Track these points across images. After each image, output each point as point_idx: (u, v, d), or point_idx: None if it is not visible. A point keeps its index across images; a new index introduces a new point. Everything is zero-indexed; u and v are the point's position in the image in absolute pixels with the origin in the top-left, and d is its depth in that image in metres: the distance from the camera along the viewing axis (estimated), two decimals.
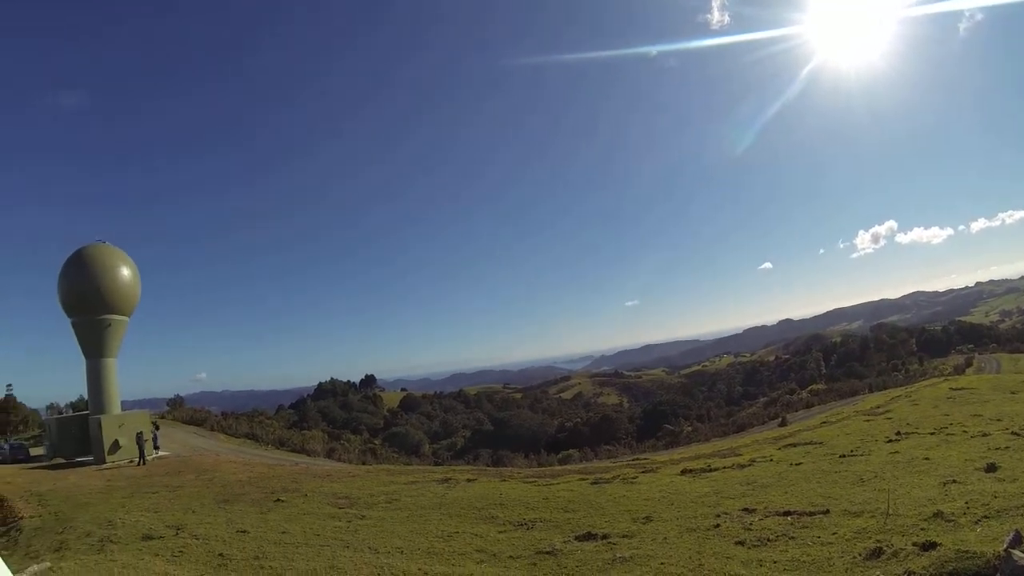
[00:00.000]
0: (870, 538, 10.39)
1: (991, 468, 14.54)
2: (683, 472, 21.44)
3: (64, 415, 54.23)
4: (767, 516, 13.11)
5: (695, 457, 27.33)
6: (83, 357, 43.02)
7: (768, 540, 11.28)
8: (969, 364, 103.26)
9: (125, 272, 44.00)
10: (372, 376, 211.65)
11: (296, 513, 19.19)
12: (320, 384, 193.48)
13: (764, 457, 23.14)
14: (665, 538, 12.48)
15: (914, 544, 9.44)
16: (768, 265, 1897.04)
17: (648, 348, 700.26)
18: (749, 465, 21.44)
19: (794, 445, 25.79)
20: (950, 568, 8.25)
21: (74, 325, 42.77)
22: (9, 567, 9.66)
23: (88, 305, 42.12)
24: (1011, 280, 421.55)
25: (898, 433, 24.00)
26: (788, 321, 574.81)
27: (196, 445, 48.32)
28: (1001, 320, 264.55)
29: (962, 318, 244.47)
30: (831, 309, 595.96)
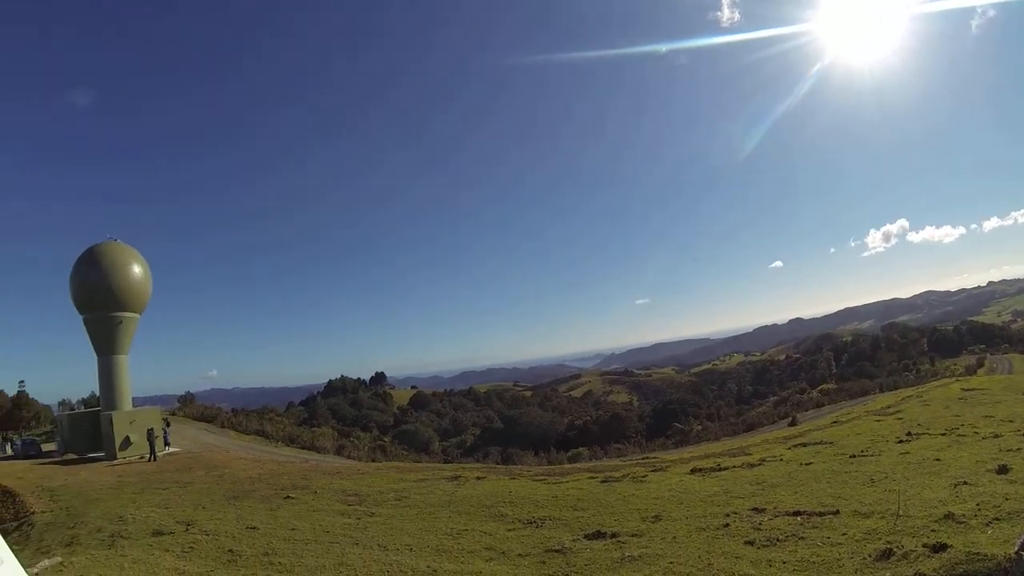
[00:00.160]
0: (880, 539, 10.35)
1: (1003, 470, 14.45)
2: (693, 471, 21.38)
3: (76, 411, 54.62)
4: (777, 516, 13.06)
5: (705, 456, 27.25)
6: (95, 354, 43.31)
7: (778, 540, 11.24)
8: (981, 364, 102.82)
9: (136, 270, 44.25)
10: (382, 373, 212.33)
11: (305, 510, 19.25)
12: (330, 381, 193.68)
13: (774, 457, 23.06)
14: (674, 537, 12.46)
15: (924, 545, 9.40)
16: (778, 264, 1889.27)
17: (658, 347, 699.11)
18: (759, 465, 21.36)
19: (804, 445, 25.69)
20: (961, 570, 8.20)
21: (86, 322, 43.06)
22: (21, 561, 9.73)
23: (100, 302, 42.38)
24: None
25: (909, 434, 23.88)
26: (798, 320, 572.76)
27: (206, 442, 48.57)
28: (1013, 320, 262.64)
29: (974, 318, 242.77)
30: (842, 308, 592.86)
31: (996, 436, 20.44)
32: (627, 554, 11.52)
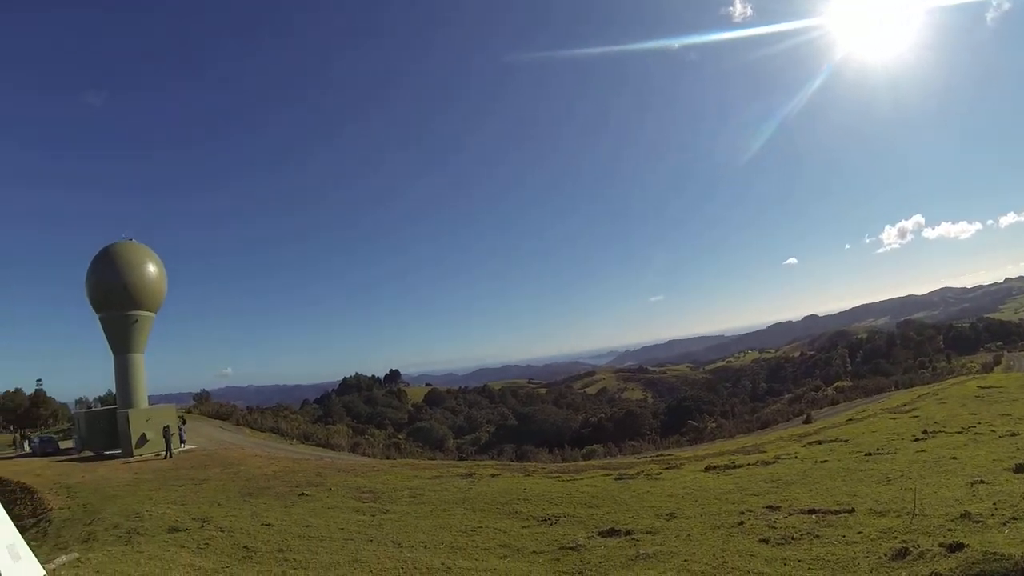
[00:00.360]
0: (896, 538, 10.29)
1: (1020, 468, 14.31)
2: (707, 468, 21.34)
3: (93, 409, 54.99)
4: (791, 514, 13.02)
5: (719, 453, 27.17)
6: (111, 353, 43.67)
7: (792, 538, 11.20)
8: (998, 362, 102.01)
9: (151, 269, 44.55)
10: (397, 371, 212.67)
11: (320, 507, 19.35)
12: (345, 379, 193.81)
13: (789, 454, 22.99)
14: (689, 535, 12.44)
15: (941, 545, 9.34)
16: (793, 260, 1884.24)
17: (672, 343, 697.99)
18: (773, 462, 21.29)
19: (819, 442, 25.57)
20: (977, 570, 8.15)
21: (102, 321, 43.40)
22: (39, 557, 9.83)
23: (115, 302, 42.71)
24: None
25: (925, 432, 23.71)
26: (813, 317, 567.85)
27: (222, 439, 48.81)
28: None
29: (990, 315, 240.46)
30: (857, 305, 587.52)
31: (1013, 434, 20.26)
32: (641, 552, 11.51)
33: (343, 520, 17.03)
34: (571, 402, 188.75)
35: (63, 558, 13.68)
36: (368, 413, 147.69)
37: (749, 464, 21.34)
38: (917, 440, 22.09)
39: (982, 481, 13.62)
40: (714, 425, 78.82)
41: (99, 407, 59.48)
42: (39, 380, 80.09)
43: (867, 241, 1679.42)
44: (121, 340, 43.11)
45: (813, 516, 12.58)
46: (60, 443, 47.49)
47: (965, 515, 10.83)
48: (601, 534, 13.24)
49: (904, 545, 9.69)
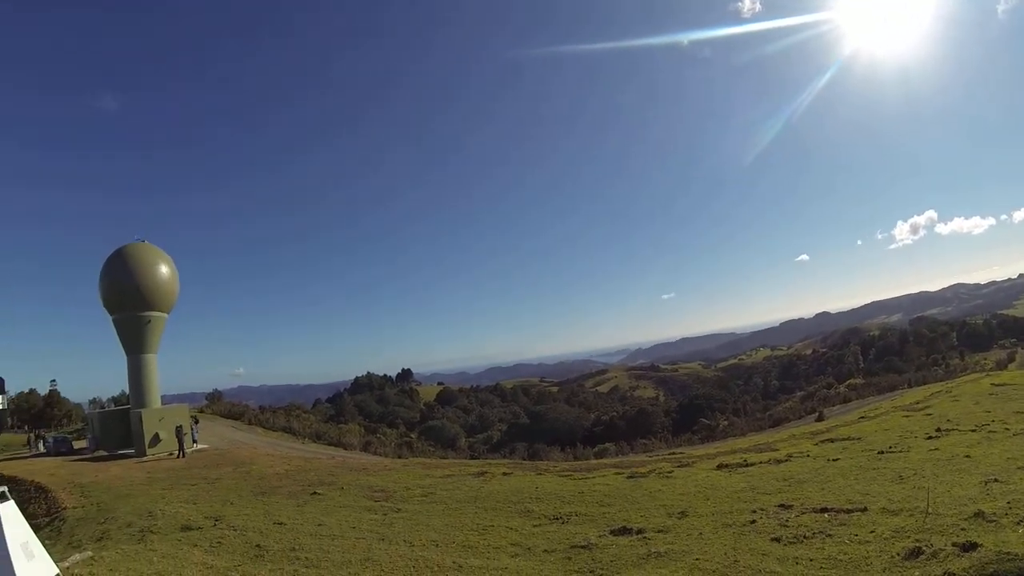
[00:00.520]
0: (909, 537, 10.25)
1: None
2: (719, 467, 21.31)
3: (106, 409, 55.31)
4: (803, 513, 12.99)
5: (731, 452, 27.10)
6: (124, 353, 43.92)
7: (804, 537, 11.17)
8: (1012, 359, 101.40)
9: (164, 270, 44.77)
10: (408, 370, 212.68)
11: (332, 506, 19.42)
12: (357, 378, 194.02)
13: (801, 452, 22.92)
14: (700, 533, 12.43)
15: (954, 544, 9.30)
16: (804, 257, 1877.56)
17: (684, 341, 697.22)
18: (786, 460, 21.25)
19: (831, 440, 25.49)
20: (991, 570, 8.11)
21: (115, 322, 43.65)
22: (53, 556, 9.91)
23: (128, 303, 42.94)
24: None
25: (938, 430, 23.62)
26: (825, 314, 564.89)
27: (234, 438, 49.00)
28: None
29: (1004, 311, 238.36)
30: (869, 302, 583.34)
31: None
32: (653, 550, 11.50)
33: (355, 519, 17.08)
34: (583, 400, 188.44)
35: (77, 556, 13.76)
36: (380, 412, 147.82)
37: (761, 462, 21.30)
38: (930, 438, 22.00)
39: (996, 480, 13.55)
40: (726, 423, 78.75)
41: (112, 407, 59.80)
42: (53, 381, 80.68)
43: (879, 237, 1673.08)
44: (134, 341, 43.35)
45: (825, 515, 12.55)
46: (74, 443, 47.73)
47: (979, 514, 10.77)
48: (613, 533, 13.25)
49: (917, 544, 9.65)
